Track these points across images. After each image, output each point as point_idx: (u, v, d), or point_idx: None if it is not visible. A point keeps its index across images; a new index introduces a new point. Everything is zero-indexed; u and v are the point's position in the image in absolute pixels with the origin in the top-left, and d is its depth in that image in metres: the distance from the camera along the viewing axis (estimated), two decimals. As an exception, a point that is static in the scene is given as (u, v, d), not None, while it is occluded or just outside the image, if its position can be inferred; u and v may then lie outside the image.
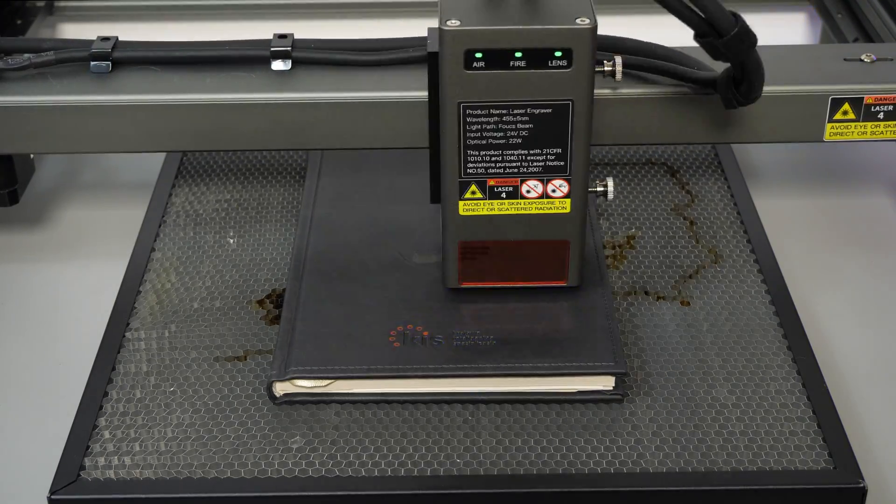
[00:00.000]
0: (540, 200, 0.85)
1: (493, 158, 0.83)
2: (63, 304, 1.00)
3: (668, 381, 0.85)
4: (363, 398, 0.83)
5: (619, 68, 0.84)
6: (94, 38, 0.97)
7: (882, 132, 0.96)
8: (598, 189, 0.88)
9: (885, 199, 1.11)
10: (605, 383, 0.83)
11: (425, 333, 0.86)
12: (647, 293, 0.93)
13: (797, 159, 1.17)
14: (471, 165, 0.84)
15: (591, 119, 0.83)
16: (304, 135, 0.95)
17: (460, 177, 0.84)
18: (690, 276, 0.95)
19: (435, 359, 0.84)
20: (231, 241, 0.99)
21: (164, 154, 1.10)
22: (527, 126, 0.82)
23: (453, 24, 0.79)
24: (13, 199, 1.03)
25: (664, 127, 0.95)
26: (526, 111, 0.82)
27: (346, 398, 0.83)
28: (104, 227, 1.07)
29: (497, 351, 0.84)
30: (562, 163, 0.83)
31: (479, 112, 0.81)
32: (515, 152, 0.83)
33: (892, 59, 0.98)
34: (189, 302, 0.92)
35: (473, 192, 0.85)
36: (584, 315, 0.87)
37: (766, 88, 0.92)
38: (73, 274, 1.03)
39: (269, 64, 0.97)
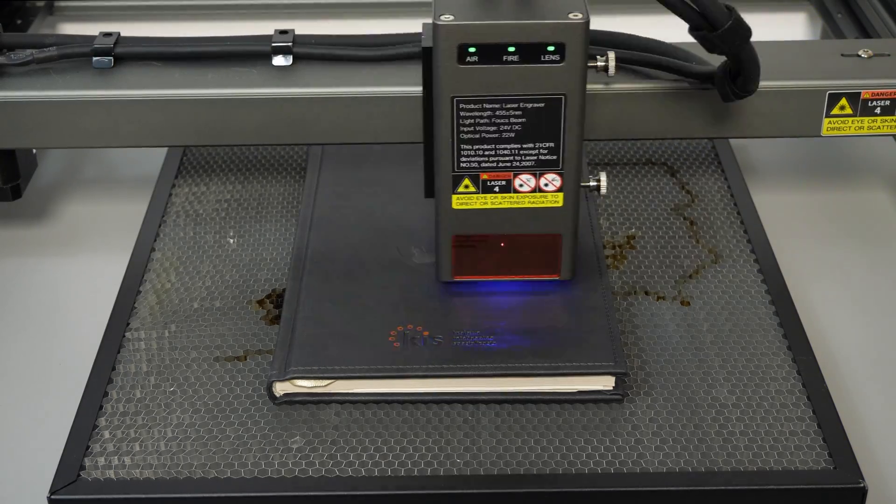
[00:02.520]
0: (533, 194, 0.85)
1: (486, 152, 0.84)
2: (64, 301, 1.00)
3: (668, 381, 0.85)
4: (363, 398, 0.83)
5: (612, 63, 0.85)
6: (97, 33, 0.98)
7: (879, 127, 0.96)
8: (591, 184, 0.88)
9: (883, 194, 1.11)
10: (605, 383, 0.83)
11: (425, 333, 0.86)
12: (647, 293, 0.93)
13: (794, 154, 1.17)
14: (464, 159, 0.84)
15: (583, 114, 0.83)
16: (305, 130, 0.95)
17: (454, 171, 0.85)
18: (690, 276, 0.95)
19: (435, 359, 0.83)
20: (231, 240, 0.99)
21: (165, 149, 1.10)
22: (520, 120, 0.83)
23: (447, 18, 0.80)
24: (16, 193, 1.03)
25: (658, 122, 0.95)
26: (519, 105, 0.82)
27: (346, 398, 0.83)
28: (106, 223, 1.08)
29: (497, 351, 0.84)
30: (554, 157, 0.84)
31: (472, 106, 0.82)
32: (508, 146, 0.84)
33: (888, 55, 0.99)
34: (189, 302, 0.92)
35: (467, 186, 0.85)
36: (584, 315, 0.87)
37: (763, 83, 0.93)
38: (75, 269, 1.03)
39: (271, 59, 0.97)
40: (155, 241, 0.99)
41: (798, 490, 0.77)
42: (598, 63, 0.85)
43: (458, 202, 0.86)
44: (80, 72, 0.96)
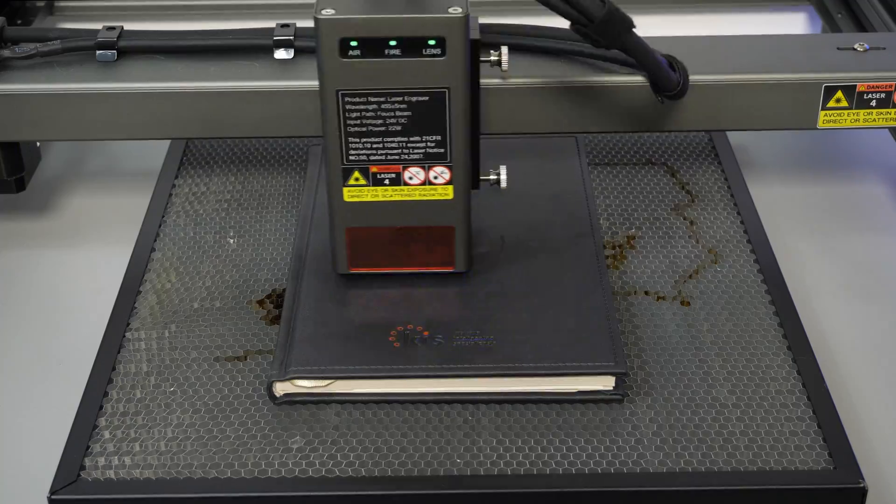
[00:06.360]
0: (422, 187, 0.86)
1: (374, 145, 0.85)
2: (67, 294, 1.00)
3: (668, 381, 0.85)
4: (363, 398, 0.83)
5: (504, 58, 0.86)
6: (100, 28, 0.98)
7: (875, 119, 0.97)
8: (491, 177, 0.89)
9: (879, 187, 1.12)
10: (605, 383, 0.83)
11: (425, 333, 0.86)
12: (647, 293, 0.93)
13: (791, 148, 1.17)
14: (353, 152, 0.85)
15: (473, 107, 0.84)
16: (307, 122, 0.96)
17: (343, 163, 0.85)
18: (690, 276, 0.95)
19: (435, 359, 0.83)
20: (231, 240, 0.99)
21: (168, 141, 1.11)
22: (405, 113, 0.83)
23: (328, 13, 0.80)
24: (20, 186, 1.04)
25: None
26: (403, 99, 0.83)
27: (346, 398, 0.83)
28: (109, 215, 1.08)
29: (497, 351, 0.84)
30: (442, 150, 0.85)
31: (357, 100, 0.83)
32: (396, 139, 0.84)
33: (884, 49, 0.99)
34: (189, 302, 0.92)
35: (357, 179, 0.86)
36: (584, 315, 0.87)
37: (760, 76, 0.93)
38: (78, 262, 1.03)
39: (272, 53, 0.98)
40: (155, 240, 0.99)
41: (798, 490, 0.77)
42: (492, 58, 0.86)
43: (349, 195, 0.86)
44: (84, 65, 0.97)
